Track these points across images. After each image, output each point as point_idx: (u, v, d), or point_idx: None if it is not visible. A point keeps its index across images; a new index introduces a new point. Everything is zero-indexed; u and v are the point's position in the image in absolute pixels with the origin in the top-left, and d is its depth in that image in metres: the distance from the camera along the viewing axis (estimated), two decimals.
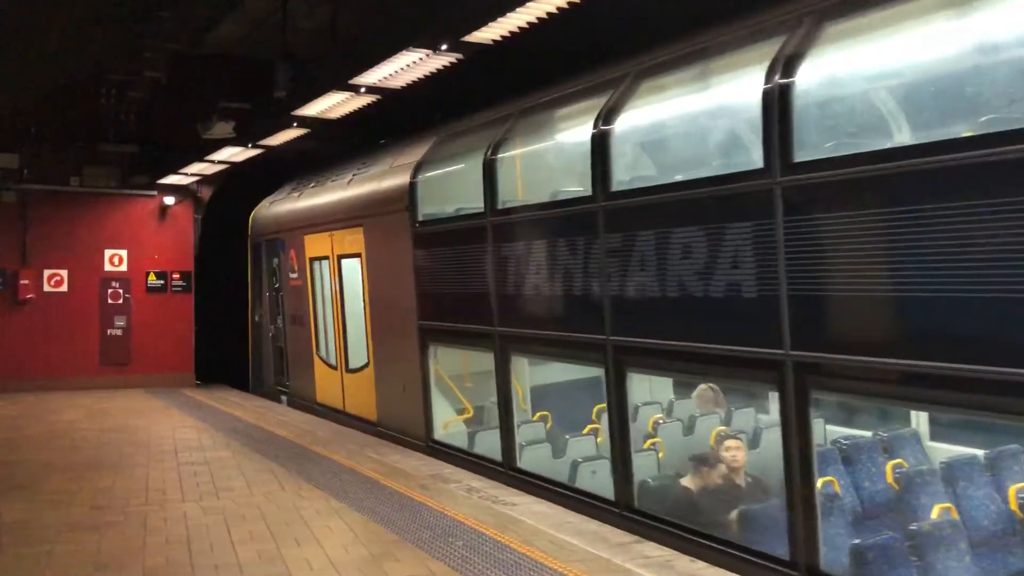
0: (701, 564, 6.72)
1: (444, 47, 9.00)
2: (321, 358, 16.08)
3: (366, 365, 13.92)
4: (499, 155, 10.36)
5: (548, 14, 7.87)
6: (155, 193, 20.53)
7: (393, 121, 14.81)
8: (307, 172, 18.02)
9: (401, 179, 12.54)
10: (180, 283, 20.82)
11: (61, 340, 19.57)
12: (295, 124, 13.03)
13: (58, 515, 8.53)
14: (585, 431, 10.35)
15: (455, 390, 12.34)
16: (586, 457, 9.51)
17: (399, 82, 10.35)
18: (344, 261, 14.67)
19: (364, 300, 13.67)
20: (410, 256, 12.05)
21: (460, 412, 12.32)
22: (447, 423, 12.03)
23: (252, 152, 16.10)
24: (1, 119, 17.03)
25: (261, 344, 19.43)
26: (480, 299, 10.34)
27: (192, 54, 14.09)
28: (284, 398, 17.62)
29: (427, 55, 9.23)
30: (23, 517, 8.47)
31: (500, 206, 10.25)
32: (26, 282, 19.29)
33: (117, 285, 20.26)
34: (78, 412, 16.14)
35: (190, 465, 10.98)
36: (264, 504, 8.86)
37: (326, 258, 15.32)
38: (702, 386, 9.99)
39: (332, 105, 11.77)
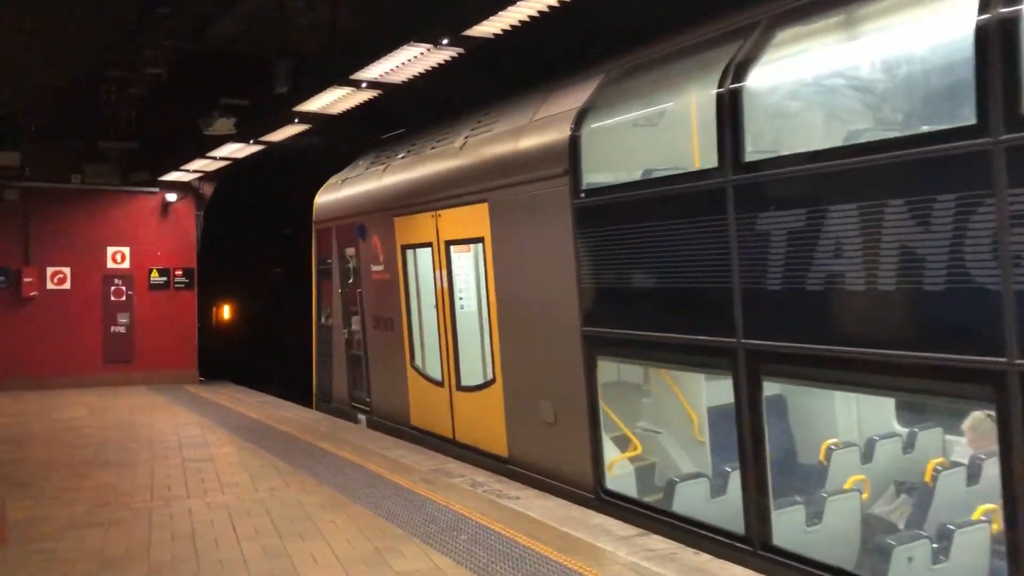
0: (706, 556, 6.72)
1: (445, 41, 8.98)
2: (418, 371, 12.50)
3: (489, 383, 10.44)
4: (748, 82, 6.88)
5: (549, 7, 7.86)
6: (156, 190, 20.54)
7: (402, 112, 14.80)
8: (381, 144, 15.27)
9: (554, 134, 9.22)
10: (183, 280, 20.84)
11: (64, 338, 19.60)
12: (296, 120, 13.01)
13: (63, 512, 8.55)
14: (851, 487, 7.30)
15: (610, 414, 9.04)
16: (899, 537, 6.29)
17: (400, 77, 10.33)
18: (455, 248, 11.47)
19: (488, 298, 10.45)
20: (569, 239, 8.85)
21: (619, 443, 9.14)
22: (611, 463, 8.82)
23: (253, 148, 16.09)
24: (2, 117, 17.02)
25: (329, 351, 15.95)
26: (706, 297, 7.19)
27: (193, 51, 14.06)
28: (362, 418, 14.35)
29: (428, 50, 9.22)
30: (29, 514, 8.49)
31: (748, 158, 6.88)
32: (29, 280, 19.32)
33: (120, 282, 20.28)
34: (82, 409, 16.17)
35: (194, 461, 11.00)
36: (268, 499, 8.88)
37: (427, 245, 11.86)
38: (978, 414, 6.97)
39: (333, 101, 11.76)
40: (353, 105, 11.97)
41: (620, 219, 8.29)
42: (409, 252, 12.61)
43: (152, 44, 12.54)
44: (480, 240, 10.41)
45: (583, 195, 8.74)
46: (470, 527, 7.67)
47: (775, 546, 6.55)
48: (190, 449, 11.89)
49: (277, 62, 11.64)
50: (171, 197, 20.65)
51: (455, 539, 7.32)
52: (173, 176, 19.86)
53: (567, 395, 9.07)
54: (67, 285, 19.81)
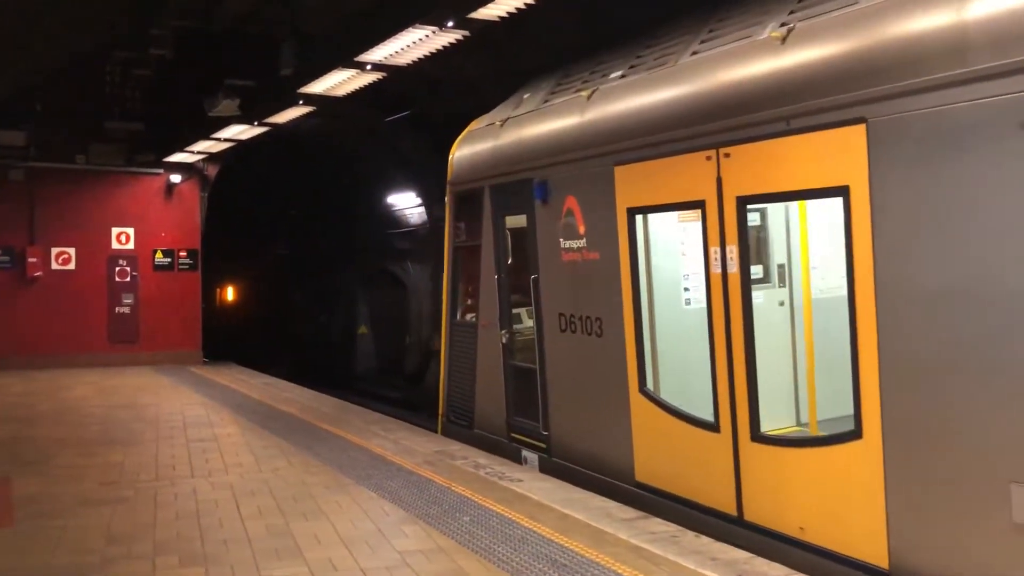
0: (706, 539, 6.78)
1: (450, 24, 8.99)
2: (656, 402, 7.98)
3: (847, 436, 6.12)
4: None
5: None
6: (161, 171, 20.57)
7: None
8: (553, 71, 10.54)
9: None
10: (187, 261, 20.91)
11: (69, 318, 19.70)
12: (300, 102, 13.02)
13: (70, 490, 8.63)
14: None
15: None
16: None
17: (405, 59, 10.34)
18: (764, 210, 7.99)
19: (852, 291, 5.98)
20: None
21: None
22: None
23: (258, 130, 16.11)
24: (7, 97, 17.04)
25: (470, 359, 11.25)
26: None
27: (198, 31, 14.06)
28: (531, 456, 9.87)
29: (433, 32, 9.23)
30: (37, 491, 8.58)
31: None
32: (34, 260, 19.40)
33: (124, 263, 20.36)
34: (87, 389, 16.26)
35: (199, 441, 11.07)
36: (272, 479, 8.95)
37: (691, 205, 7.48)
38: None
39: (338, 83, 11.77)
40: (358, 87, 11.98)
41: None
42: (640, 218, 8.15)
43: (159, 24, 12.55)
44: (840, 191, 5.99)
45: None
46: (472, 508, 7.73)
47: None
48: (194, 429, 11.97)
49: (283, 43, 11.66)
50: (175, 178, 20.68)
51: (457, 520, 7.38)
52: (178, 157, 19.90)
53: None
54: (72, 266, 19.89)
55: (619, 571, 6.09)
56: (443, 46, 9.77)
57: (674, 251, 8.33)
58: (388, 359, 24.84)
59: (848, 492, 6.08)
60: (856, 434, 6.02)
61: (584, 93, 8.96)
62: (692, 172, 7.32)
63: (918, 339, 5.56)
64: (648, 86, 8.07)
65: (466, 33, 9.26)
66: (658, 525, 7.19)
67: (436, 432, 11.79)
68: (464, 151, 11.36)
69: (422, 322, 22.00)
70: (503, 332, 10.36)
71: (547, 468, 9.44)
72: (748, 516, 6.93)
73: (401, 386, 22.77)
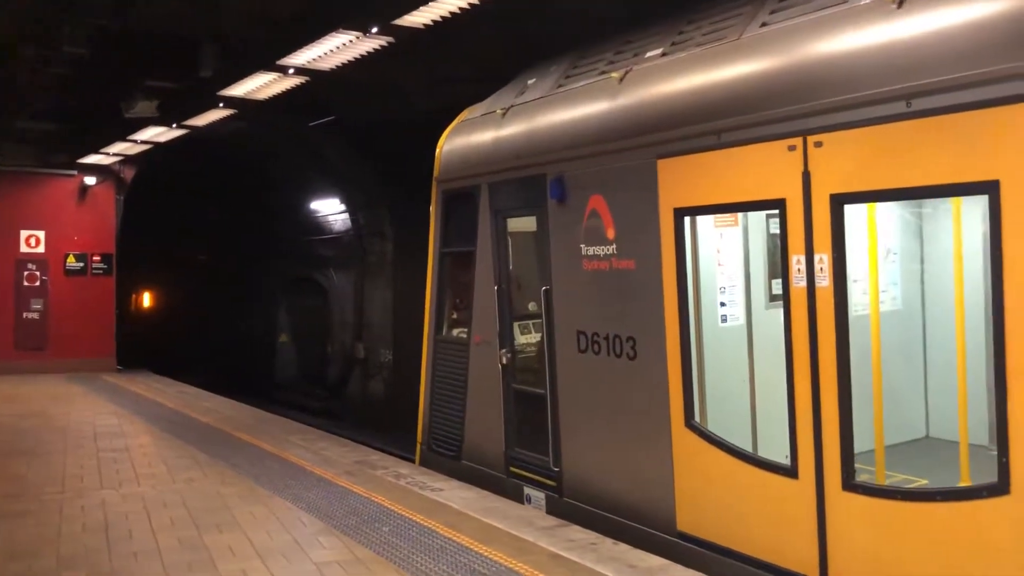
0: (624, 547, 6.83)
1: (375, 30, 8.92)
2: (704, 436, 6.75)
3: (988, 491, 4.90)
4: None
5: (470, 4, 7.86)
6: (75, 173, 19.93)
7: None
8: (564, 54, 9.11)
9: None
10: (101, 266, 20.29)
11: None
12: (221, 104, 12.76)
13: None
14: None
15: None
16: None
17: (328, 64, 10.23)
18: (872, 210, 5.98)
19: (1001, 308, 4.88)
20: None
21: None
22: None
23: (177, 132, 15.74)
24: None
25: (459, 380, 9.81)
26: None
27: (116, 30, 13.66)
28: (538, 496, 8.53)
29: (357, 38, 9.14)
30: None
31: None
32: None
33: (34, 267, 19.65)
34: None
35: (110, 452, 10.72)
36: (186, 491, 8.71)
37: (769, 204, 6.24)
38: None
39: (260, 86, 11.58)
40: (280, 91, 11.80)
41: None
42: (689, 221, 6.94)
43: (73, 21, 12.14)
44: (987, 186, 4.89)
45: None
46: (392, 518, 7.65)
47: None
48: (106, 439, 11.58)
49: (203, 45, 11.41)
50: (90, 180, 20.06)
51: (377, 531, 7.29)
52: (93, 159, 19.31)
53: None
54: None
55: None
56: (368, 52, 9.69)
57: (709, 260, 7.20)
58: (310, 368, 24.50)
59: (988, 560, 4.84)
60: (1000, 488, 4.77)
61: (614, 75, 7.63)
62: (769, 165, 6.11)
63: None
64: (704, 63, 6.77)
65: (391, 39, 9.20)
66: (577, 533, 7.22)
67: (356, 443, 11.65)
68: (455, 144, 9.84)
69: (345, 330, 21.76)
70: (503, 351, 8.98)
71: (557, 509, 8.12)
72: None
73: (323, 396, 22.47)
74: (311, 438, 11.68)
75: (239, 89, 11.84)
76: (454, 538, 7.05)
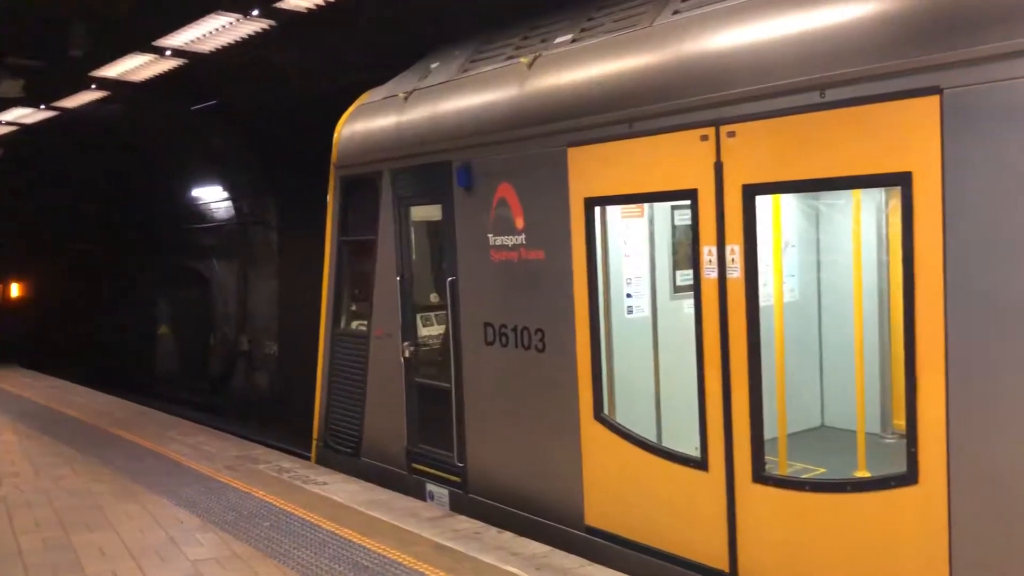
0: (508, 535, 6.87)
1: (255, 12, 8.67)
2: (613, 429, 6.66)
3: (896, 480, 4.95)
4: None
5: None
6: None
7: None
8: (471, 38, 8.80)
9: None
10: None
11: None
12: (93, 86, 12.19)
13: None
14: None
15: None
16: None
17: (208, 47, 9.89)
18: (777, 201, 6.12)
19: (911, 301, 4.85)
20: None
21: None
22: None
23: (46, 114, 14.96)
24: None
25: (358, 375, 9.51)
26: None
27: None
28: (441, 492, 8.37)
29: (236, 20, 8.87)
30: None
31: None
32: None
33: None
34: None
35: None
36: (53, 490, 8.31)
37: (681, 195, 6.12)
38: None
39: (135, 67, 11.11)
40: (157, 73, 11.35)
41: None
42: (599, 211, 6.87)
43: None
44: (900, 178, 4.87)
45: None
46: (273, 513, 7.49)
47: None
48: None
49: (73, 23, 10.86)
50: None
51: (257, 526, 7.13)
52: None
53: None
54: None
55: (422, 570, 6.07)
56: (250, 34, 9.42)
57: (617, 251, 7.10)
58: (191, 361, 23.76)
59: (897, 549, 4.90)
60: (908, 478, 4.83)
61: (524, 60, 7.40)
62: (681, 155, 6.00)
63: (996, 358, 4.49)
64: (615, 50, 6.62)
65: (273, 23, 8.97)
66: (463, 523, 7.23)
67: (238, 438, 11.35)
68: (355, 128, 9.41)
69: (228, 322, 21.18)
70: (406, 344, 8.71)
71: (461, 506, 7.94)
72: (743, 574, 5.75)
73: (205, 390, 21.82)
74: (191, 432, 11.33)
75: (112, 70, 11.33)
76: (337, 532, 6.95)
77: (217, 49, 9.98)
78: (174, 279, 24.35)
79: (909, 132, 4.74)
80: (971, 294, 4.54)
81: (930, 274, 4.69)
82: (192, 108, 16.15)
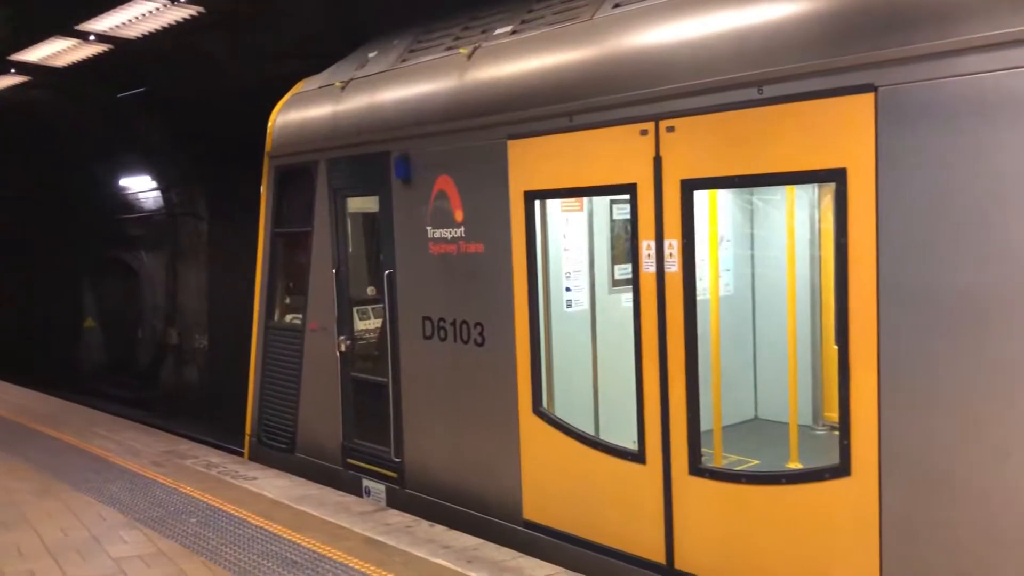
0: (440, 528, 6.86)
1: None
2: (552, 423, 6.64)
3: (830, 472, 5.01)
4: None
5: None
6: None
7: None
8: (409, 28, 8.72)
9: None
10: None
11: None
12: (12, 71, 11.79)
13: None
14: None
15: None
16: None
17: (133, 32, 9.64)
18: (713, 196, 6.38)
19: (844, 295, 4.91)
20: None
21: None
22: None
23: None
24: None
25: (294, 368, 9.34)
26: None
27: None
28: (378, 488, 8.26)
29: (164, 5, 8.66)
30: None
31: None
32: None
33: None
34: None
35: None
36: None
37: (620, 189, 6.10)
38: None
39: (56, 52, 10.77)
40: (81, 58, 11.03)
41: None
42: (539, 205, 6.79)
43: None
44: (835, 174, 4.92)
45: None
46: (201, 509, 7.35)
47: None
48: None
49: None
50: None
51: (184, 522, 6.99)
52: None
53: None
54: None
55: (353, 565, 6.02)
56: (177, 21, 9.21)
57: (556, 245, 7.07)
58: (119, 355, 23.20)
59: (830, 540, 4.97)
60: (841, 470, 4.91)
61: (463, 51, 7.30)
62: (621, 149, 5.99)
63: (930, 354, 4.54)
64: (555, 43, 6.58)
65: (202, 9, 8.78)
66: (394, 517, 7.19)
67: (166, 432, 11.12)
68: (290, 117, 9.23)
69: (157, 315, 20.73)
70: (342, 338, 8.55)
71: (398, 501, 7.84)
72: (680, 565, 5.78)
73: (133, 384, 21.34)
74: (117, 428, 11.05)
75: (33, 54, 10.96)
76: (266, 527, 6.86)
77: (144, 35, 9.73)
78: (101, 271, 23.75)
79: (844, 129, 4.80)
80: (904, 290, 4.61)
81: (864, 270, 4.74)
82: (119, 95, 15.75)
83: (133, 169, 20.86)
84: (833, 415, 5.12)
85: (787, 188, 6.47)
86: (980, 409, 4.34)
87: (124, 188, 21.82)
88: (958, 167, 4.39)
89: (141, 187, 21.16)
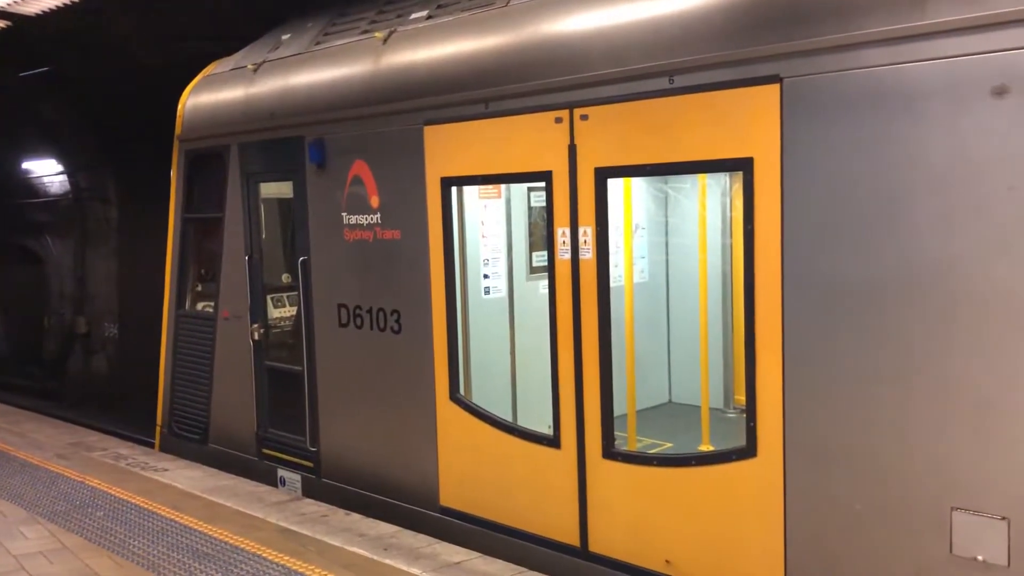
0: (356, 516, 6.83)
1: None
2: (469, 410, 6.69)
3: (738, 454, 5.19)
4: None
5: None
6: None
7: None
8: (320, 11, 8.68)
9: None
10: None
11: None
12: None
13: None
14: None
15: None
16: None
17: (32, 8, 9.23)
18: (628, 184, 6.55)
19: (751, 284, 5.04)
20: None
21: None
22: None
23: None
24: None
25: (206, 357, 9.19)
26: None
27: None
28: (293, 478, 8.17)
29: None
30: None
31: None
32: None
33: None
34: None
35: None
36: None
37: (535, 176, 6.14)
38: None
39: None
40: None
41: None
42: (456, 191, 6.81)
43: None
44: (742, 163, 5.03)
45: None
46: (108, 502, 7.15)
47: None
48: None
49: None
50: None
51: (90, 516, 6.80)
52: None
53: None
54: None
55: (266, 555, 5.95)
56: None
57: (474, 231, 7.07)
58: (23, 344, 22.35)
59: (737, 519, 5.12)
60: (748, 452, 5.05)
61: (378, 35, 7.25)
62: (536, 137, 6.01)
63: (829, 341, 4.69)
64: (471, 29, 6.55)
65: None
66: (309, 506, 7.13)
67: (72, 424, 10.78)
68: (201, 100, 9.05)
69: (64, 303, 20.03)
70: (255, 326, 8.46)
71: (314, 491, 7.82)
72: (594, 547, 5.87)
73: (39, 374, 20.59)
74: (18, 419, 10.69)
75: None
76: (177, 519, 6.71)
77: (44, 12, 9.33)
78: (3, 257, 22.83)
79: (751, 119, 4.90)
80: (807, 277, 4.74)
81: (769, 257, 4.86)
82: (21, 75, 15.11)
83: (37, 152, 20.06)
84: (743, 398, 5.25)
85: (699, 177, 6.61)
86: (879, 392, 4.50)
87: (27, 172, 20.98)
88: (857, 157, 4.56)
89: (46, 171, 20.37)
